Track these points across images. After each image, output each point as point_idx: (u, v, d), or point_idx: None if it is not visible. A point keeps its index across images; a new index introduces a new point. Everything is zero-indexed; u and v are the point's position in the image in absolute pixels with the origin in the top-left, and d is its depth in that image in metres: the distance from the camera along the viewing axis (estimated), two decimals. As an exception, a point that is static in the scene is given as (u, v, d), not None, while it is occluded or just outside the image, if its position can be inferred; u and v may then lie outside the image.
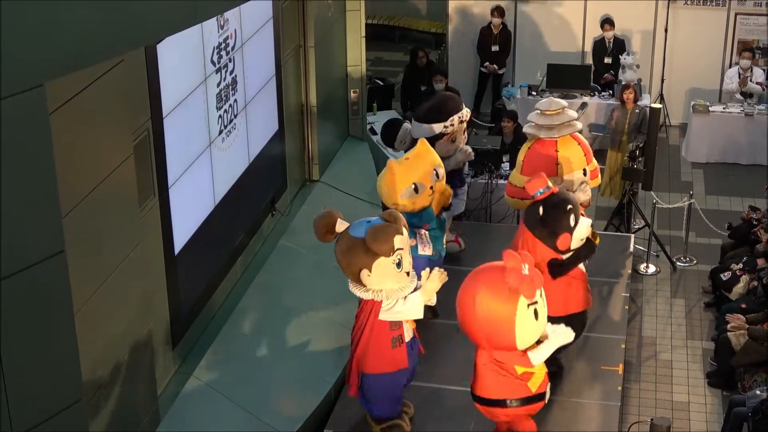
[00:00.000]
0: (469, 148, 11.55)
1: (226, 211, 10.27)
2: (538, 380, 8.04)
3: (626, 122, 13.12)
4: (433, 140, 10.86)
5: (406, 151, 11.33)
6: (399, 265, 8.21)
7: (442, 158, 10.61)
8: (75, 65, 5.88)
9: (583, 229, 8.99)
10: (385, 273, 8.20)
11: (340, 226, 8.37)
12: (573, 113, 10.59)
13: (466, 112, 11.35)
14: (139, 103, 8.21)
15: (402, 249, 8.23)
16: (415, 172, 9.94)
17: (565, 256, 9.04)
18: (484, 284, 7.70)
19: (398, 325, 8.48)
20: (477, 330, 7.80)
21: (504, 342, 7.78)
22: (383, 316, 8.36)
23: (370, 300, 8.34)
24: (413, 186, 9.89)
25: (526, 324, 7.69)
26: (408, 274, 8.33)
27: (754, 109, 15.03)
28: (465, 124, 11.42)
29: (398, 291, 8.30)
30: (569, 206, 8.88)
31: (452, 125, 11.20)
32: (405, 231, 8.29)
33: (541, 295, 7.80)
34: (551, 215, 8.83)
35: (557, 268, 8.96)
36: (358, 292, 8.35)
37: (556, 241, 8.84)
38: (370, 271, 8.18)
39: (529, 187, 9.02)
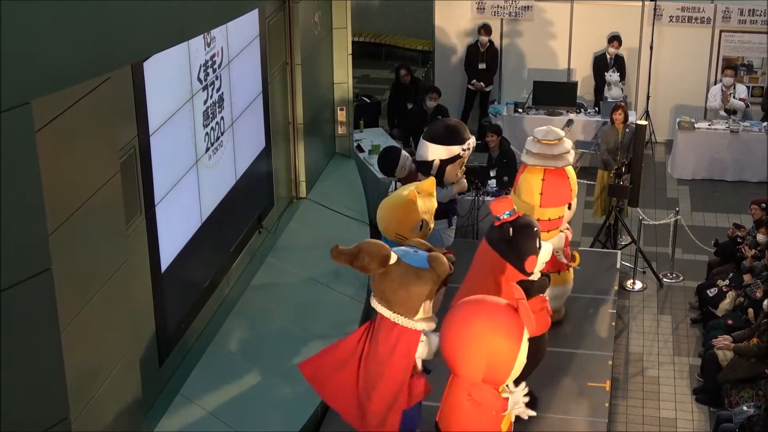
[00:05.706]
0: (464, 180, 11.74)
1: (213, 228, 10.25)
2: (508, 419, 8.01)
3: (619, 142, 13.14)
4: (446, 163, 11.15)
5: (404, 178, 11.48)
6: None
7: (449, 183, 11.16)
8: (62, 83, 5.88)
9: (546, 252, 8.92)
10: (437, 302, 8.13)
11: (393, 257, 7.99)
12: (570, 144, 10.47)
13: (473, 140, 11.51)
14: (125, 120, 8.21)
15: None
16: (424, 209, 9.96)
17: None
18: (493, 322, 7.58)
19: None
20: (475, 364, 7.62)
21: (499, 377, 7.73)
22: (424, 353, 8.10)
23: (404, 339, 7.98)
24: (421, 223, 9.88)
25: (522, 360, 7.71)
26: None
27: (740, 126, 15.10)
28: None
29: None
30: (535, 228, 8.86)
31: (468, 149, 11.37)
32: None
33: None
34: (520, 236, 8.73)
35: (526, 291, 8.84)
36: (411, 324, 7.95)
37: (524, 262, 8.73)
38: (431, 300, 8.01)
39: (494, 209, 8.85)
